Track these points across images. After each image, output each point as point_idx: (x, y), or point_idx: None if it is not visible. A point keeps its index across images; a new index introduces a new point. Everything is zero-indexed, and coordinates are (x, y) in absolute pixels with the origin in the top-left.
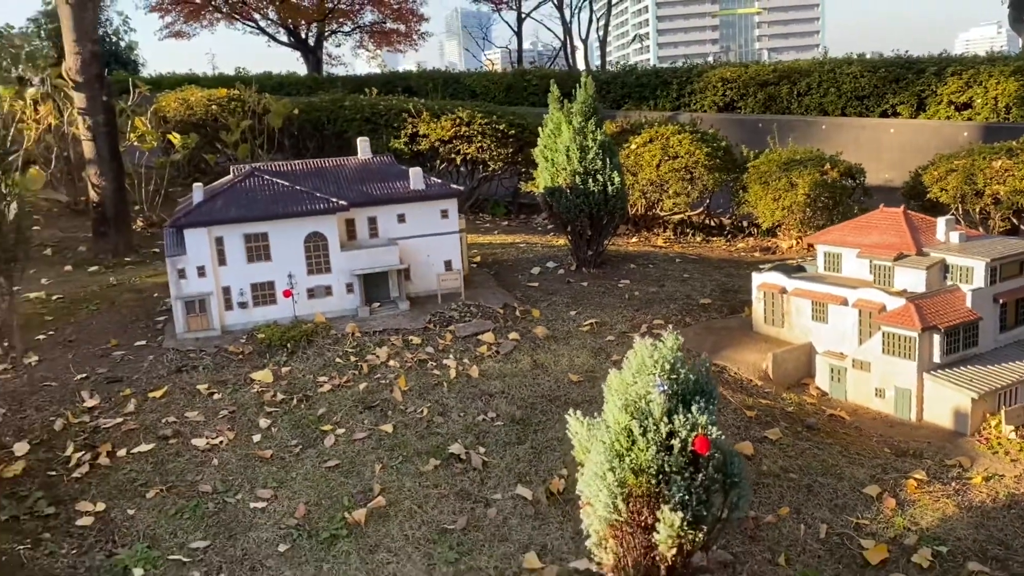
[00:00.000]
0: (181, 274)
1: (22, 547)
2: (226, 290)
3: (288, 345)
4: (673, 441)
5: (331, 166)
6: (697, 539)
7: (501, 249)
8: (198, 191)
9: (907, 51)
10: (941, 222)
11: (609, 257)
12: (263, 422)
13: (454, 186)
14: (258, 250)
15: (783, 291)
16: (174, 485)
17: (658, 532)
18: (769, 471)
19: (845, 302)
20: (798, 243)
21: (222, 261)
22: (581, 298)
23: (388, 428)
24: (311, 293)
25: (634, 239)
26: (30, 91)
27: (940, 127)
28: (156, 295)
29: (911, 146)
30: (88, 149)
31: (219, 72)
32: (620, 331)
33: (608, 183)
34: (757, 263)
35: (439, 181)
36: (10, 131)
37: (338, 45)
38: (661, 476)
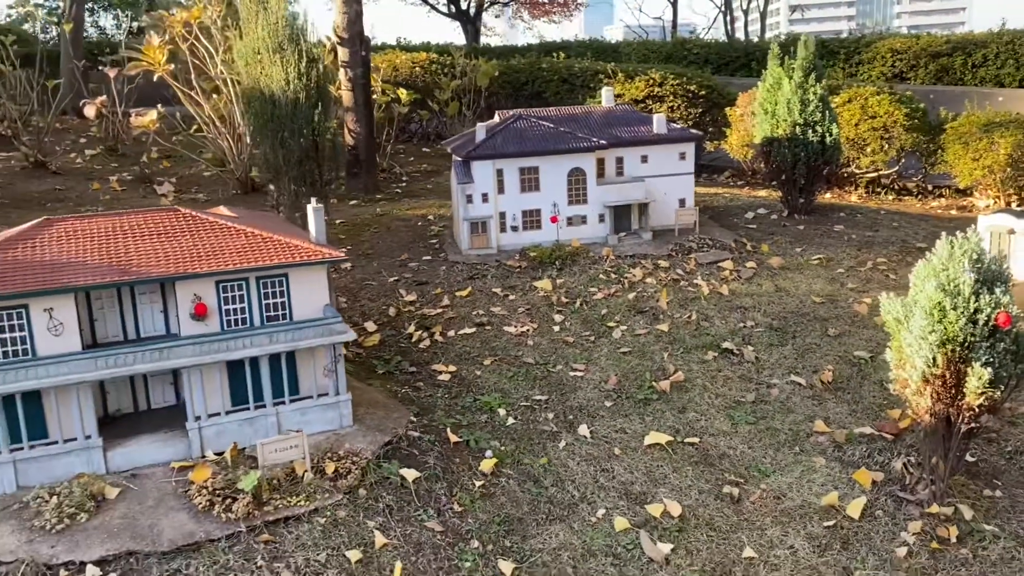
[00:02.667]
0: (469, 199)
1: (406, 389)
2: (502, 215)
3: (556, 263)
4: (979, 316)
5: (581, 112)
6: (996, 396)
7: (708, 199)
8: (480, 129)
9: None
10: None
11: (815, 208)
12: (557, 317)
13: (693, 131)
14: (530, 181)
15: (1011, 231)
16: (503, 357)
17: (966, 386)
18: None
19: None
20: (996, 202)
21: (501, 190)
22: (802, 238)
23: (664, 327)
24: (569, 221)
25: (828, 195)
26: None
27: None
28: (420, 223)
29: None
30: (347, 98)
31: (382, 42)
32: (848, 265)
33: (826, 134)
34: (957, 219)
35: (678, 126)
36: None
37: (496, 16)
38: (967, 344)
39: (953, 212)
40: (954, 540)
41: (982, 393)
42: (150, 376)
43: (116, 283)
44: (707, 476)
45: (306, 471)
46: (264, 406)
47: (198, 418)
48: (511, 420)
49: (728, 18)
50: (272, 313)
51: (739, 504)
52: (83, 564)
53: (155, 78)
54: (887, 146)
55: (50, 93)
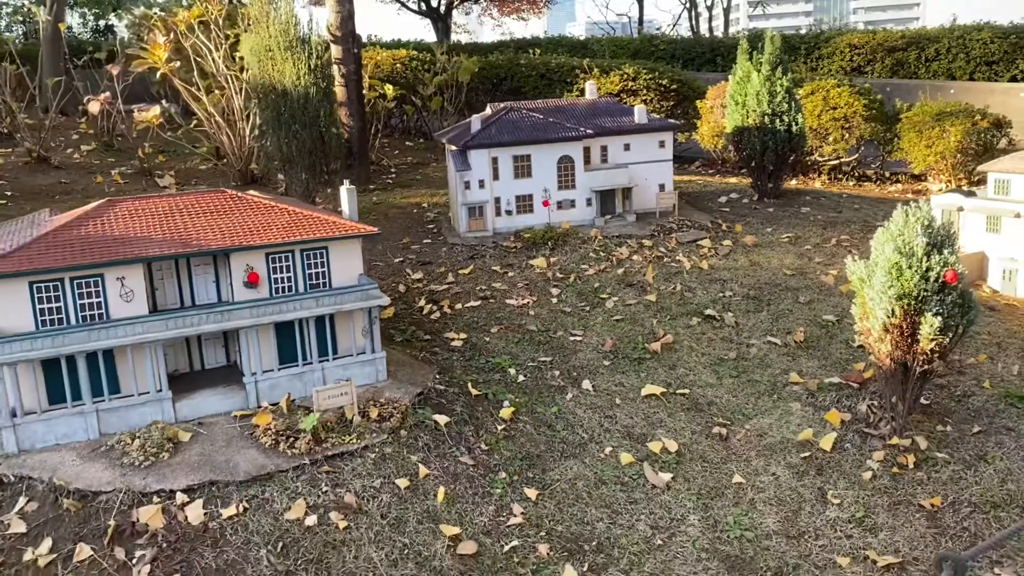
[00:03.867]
0: (467, 186)
1: (424, 354)
2: (497, 200)
3: (548, 243)
4: (930, 274)
5: (567, 104)
6: (945, 342)
7: (683, 185)
8: (475, 120)
9: None
10: None
11: (782, 192)
12: (554, 291)
13: (671, 121)
14: (522, 168)
15: (960, 209)
16: (508, 325)
17: (920, 333)
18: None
19: (1018, 215)
20: (947, 186)
21: (496, 176)
22: (772, 219)
23: (651, 298)
24: (559, 205)
25: (793, 181)
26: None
27: None
28: (415, 211)
29: None
30: (340, 94)
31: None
32: (814, 242)
33: (792, 123)
34: (913, 201)
35: (657, 117)
36: None
37: (466, 13)
38: (921, 297)
39: (909, 195)
40: (911, 466)
41: (933, 339)
42: (204, 339)
43: (180, 254)
44: (698, 420)
45: (355, 415)
46: (311, 363)
47: (254, 374)
48: (521, 377)
49: (693, 14)
50: (314, 281)
51: (727, 441)
52: (172, 492)
53: (158, 75)
54: (847, 135)
55: (49, 90)
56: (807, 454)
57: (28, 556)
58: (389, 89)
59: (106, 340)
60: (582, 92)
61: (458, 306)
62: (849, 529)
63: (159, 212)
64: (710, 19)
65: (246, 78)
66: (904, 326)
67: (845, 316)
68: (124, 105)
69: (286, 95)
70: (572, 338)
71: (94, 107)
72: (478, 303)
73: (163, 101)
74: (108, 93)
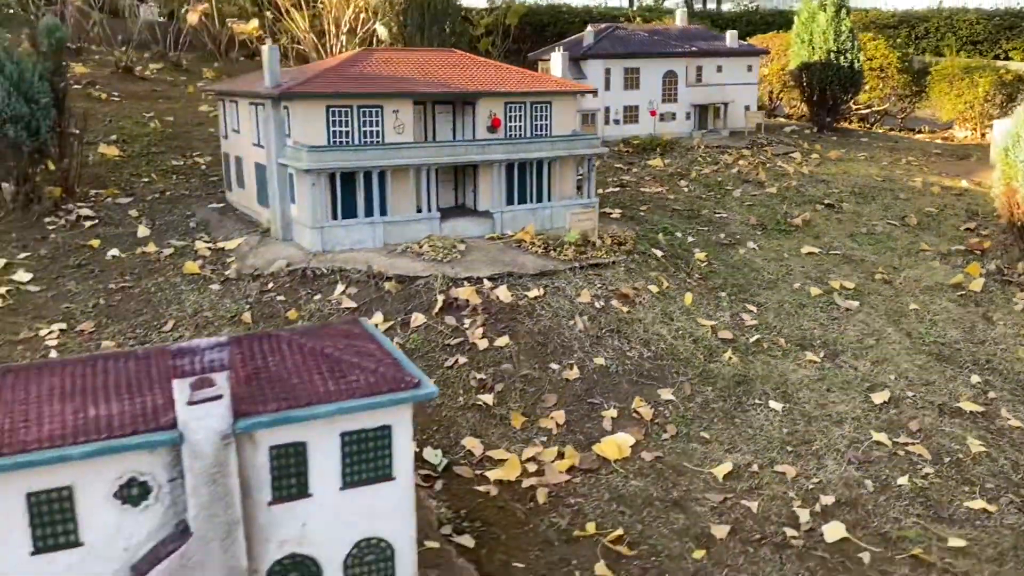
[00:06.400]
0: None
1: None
2: (607, 109)
3: (657, 149)
4: None
5: (661, 28)
6: None
7: None
8: (589, 34)
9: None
10: None
11: (837, 127)
12: (682, 183)
13: (760, 47)
14: (631, 80)
15: None
16: (654, 206)
17: None
18: None
19: None
20: (973, 134)
21: (607, 87)
22: (840, 144)
23: (772, 190)
24: (661, 117)
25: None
26: None
27: None
28: None
29: None
30: None
31: None
32: (886, 161)
33: (855, 60)
34: (944, 144)
35: (746, 42)
36: None
37: None
38: None
39: (938, 141)
40: None
41: None
42: (442, 180)
43: (446, 93)
44: (859, 271)
45: (598, 237)
46: (541, 202)
47: (498, 207)
48: (691, 238)
49: None
50: (538, 132)
51: (891, 284)
52: (479, 278)
53: None
54: (882, 84)
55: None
56: (962, 293)
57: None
58: None
59: (396, 159)
60: None
61: (600, 191)
62: (1020, 340)
63: (411, 62)
64: None
65: None
66: None
67: (945, 208)
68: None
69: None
70: (717, 215)
71: (192, 17)
72: (617, 189)
73: (260, 12)
74: (205, 4)
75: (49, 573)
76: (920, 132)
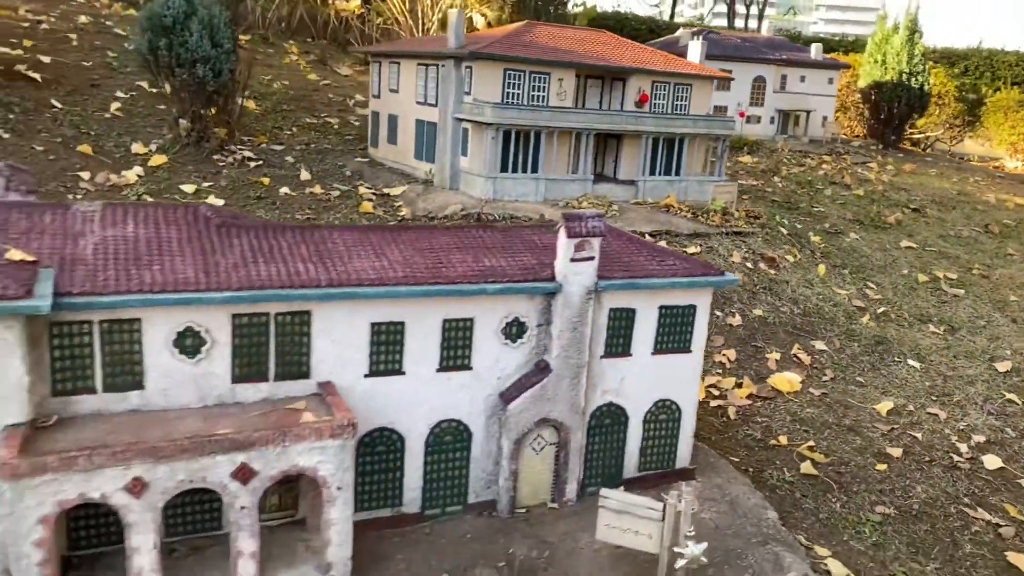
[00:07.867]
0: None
1: None
2: None
3: (744, 148)
4: None
5: (749, 36)
6: None
7: None
8: (685, 35)
9: None
10: None
11: (901, 145)
12: (775, 178)
13: (842, 61)
14: (722, 82)
15: None
16: (752, 195)
17: None
18: None
19: None
20: (1022, 164)
21: None
22: (908, 160)
23: (860, 192)
24: (748, 119)
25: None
26: None
27: None
28: None
29: None
30: None
31: None
32: (956, 178)
33: (924, 83)
34: (998, 171)
35: (829, 56)
36: None
37: None
38: None
39: (990, 167)
40: None
41: None
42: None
43: (607, 67)
44: (956, 265)
45: (736, 210)
46: (679, 174)
47: (641, 176)
48: (798, 225)
49: (730, 12)
50: (678, 112)
51: (989, 279)
52: (642, 233)
53: None
54: (939, 111)
55: None
56: None
57: None
58: None
59: (561, 122)
60: None
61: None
62: None
63: (571, 37)
64: (747, 17)
65: None
66: None
67: (1022, 221)
68: None
69: None
70: (815, 209)
71: None
72: None
73: None
74: None
75: (447, 387)
76: (969, 160)
